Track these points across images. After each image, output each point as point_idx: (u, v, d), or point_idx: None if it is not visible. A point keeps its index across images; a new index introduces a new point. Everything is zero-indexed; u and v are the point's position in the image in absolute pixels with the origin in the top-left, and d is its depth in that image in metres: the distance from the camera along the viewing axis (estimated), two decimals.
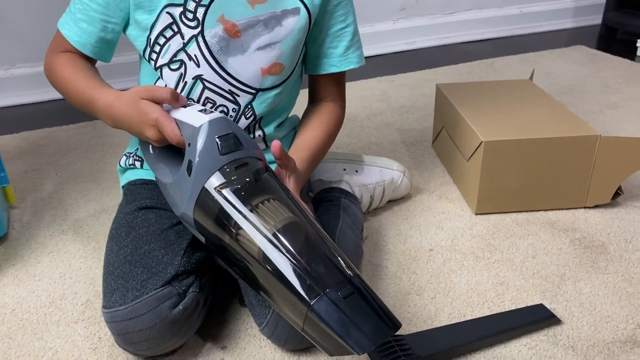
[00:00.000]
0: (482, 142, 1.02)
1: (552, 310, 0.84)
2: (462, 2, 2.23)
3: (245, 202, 0.65)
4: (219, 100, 0.82)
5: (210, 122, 0.69)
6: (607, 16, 2.27)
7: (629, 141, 1.04)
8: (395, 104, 1.62)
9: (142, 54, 0.83)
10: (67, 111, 1.54)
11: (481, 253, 0.98)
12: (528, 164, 1.04)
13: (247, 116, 0.84)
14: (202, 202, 0.67)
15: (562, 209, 1.09)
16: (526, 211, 1.09)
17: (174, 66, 0.81)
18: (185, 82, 0.81)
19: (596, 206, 1.10)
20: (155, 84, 0.84)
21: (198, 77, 0.81)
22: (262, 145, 0.89)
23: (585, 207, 1.10)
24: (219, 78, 0.81)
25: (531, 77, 1.35)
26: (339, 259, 0.63)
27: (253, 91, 0.83)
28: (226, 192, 0.66)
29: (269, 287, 0.64)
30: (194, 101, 0.82)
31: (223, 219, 0.66)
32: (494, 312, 0.84)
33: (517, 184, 1.06)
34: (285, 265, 0.61)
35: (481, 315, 0.84)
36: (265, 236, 0.63)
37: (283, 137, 0.91)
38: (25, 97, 1.70)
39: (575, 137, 1.03)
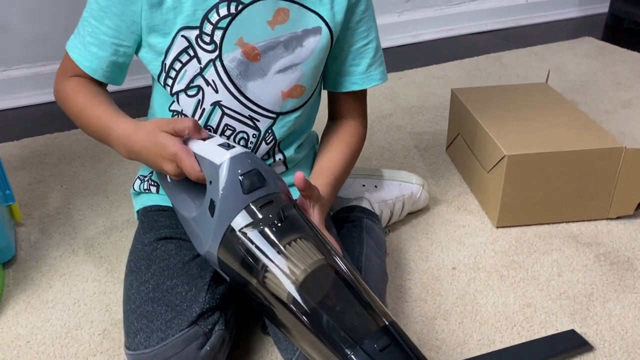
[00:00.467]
0: (505, 156, 0.99)
1: (583, 335, 0.82)
2: None
3: (272, 244, 0.62)
4: (239, 127, 0.79)
5: (232, 159, 0.65)
6: (613, 5, 2.23)
7: None
8: (405, 104, 1.59)
9: (156, 79, 0.79)
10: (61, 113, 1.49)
11: (505, 271, 0.96)
12: (551, 176, 1.02)
13: (268, 141, 0.81)
14: (226, 244, 0.65)
15: (584, 221, 1.07)
16: (548, 223, 1.07)
17: (191, 92, 0.77)
18: (204, 109, 0.78)
19: (619, 217, 1.08)
20: (170, 107, 0.81)
21: (217, 104, 0.77)
22: (282, 168, 0.86)
23: (607, 219, 1.08)
24: (239, 104, 0.77)
25: (547, 80, 1.32)
26: (373, 304, 0.61)
27: (274, 115, 0.80)
28: (251, 234, 0.63)
29: (299, 335, 0.61)
30: (213, 129, 0.79)
31: (249, 262, 0.63)
32: (524, 338, 0.82)
33: (539, 196, 1.04)
34: (317, 315, 0.59)
35: (511, 341, 0.82)
36: (295, 283, 0.60)
37: (303, 158, 0.88)
38: (23, 99, 1.65)
39: (601, 149, 1.00)
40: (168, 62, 0.76)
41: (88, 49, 0.76)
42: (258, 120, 0.79)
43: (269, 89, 0.78)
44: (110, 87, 0.83)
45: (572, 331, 0.82)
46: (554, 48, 1.98)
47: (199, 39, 0.74)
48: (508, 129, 1.07)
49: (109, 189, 1.21)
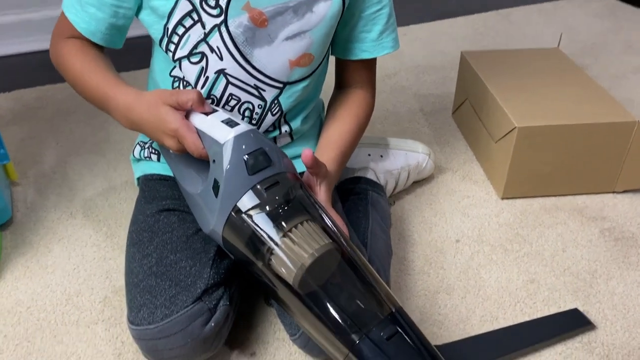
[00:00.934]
0: (515, 127, 0.96)
1: (585, 313, 0.82)
2: None
3: (278, 227, 0.61)
4: (244, 97, 0.75)
5: (237, 138, 0.63)
6: None
7: None
8: (410, 62, 1.54)
9: (157, 43, 0.75)
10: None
11: (510, 245, 0.95)
12: (560, 149, 1.00)
13: (274, 112, 0.78)
14: (231, 225, 0.63)
15: (590, 194, 1.06)
16: (553, 195, 1.06)
17: (194, 59, 0.73)
18: (207, 77, 0.74)
19: (625, 191, 1.07)
20: (171, 72, 0.77)
21: (221, 72, 0.73)
22: (287, 139, 0.83)
23: (614, 192, 1.06)
24: (244, 72, 0.74)
25: (559, 44, 1.28)
26: (379, 290, 0.60)
27: (280, 85, 0.76)
28: (257, 216, 0.61)
29: (304, 319, 0.61)
30: (217, 99, 0.75)
31: (254, 244, 0.61)
32: (527, 315, 0.82)
33: (547, 169, 1.02)
34: (323, 301, 0.58)
35: (514, 318, 0.82)
36: (302, 267, 0.59)
37: (309, 129, 0.85)
38: (13, 46, 1.59)
39: (613, 123, 0.98)
40: (170, 26, 0.72)
41: (86, 10, 0.72)
42: (264, 90, 0.76)
43: (276, 57, 0.74)
44: None
45: (576, 310, 0.82)
46: (564, 6, 1.92)
47: (203, 3, 0.70)
48: (519, 99, 1.04)
49: (105, 148, 1.18)
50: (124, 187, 1.07)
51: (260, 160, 0.62)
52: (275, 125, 0.80)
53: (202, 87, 0.74)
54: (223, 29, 0.71)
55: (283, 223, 0.61)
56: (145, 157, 0.85)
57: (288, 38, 0.73)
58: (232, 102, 0.76)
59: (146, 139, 0.85)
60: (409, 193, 1.06)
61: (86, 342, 0.78)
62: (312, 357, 0.75)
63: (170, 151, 0.74)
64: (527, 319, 0.82)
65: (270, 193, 0.62)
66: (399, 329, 0.57)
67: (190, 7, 0.70)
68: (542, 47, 1.32)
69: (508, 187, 1.03)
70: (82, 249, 0.93)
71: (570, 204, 1.04)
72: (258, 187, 0.62)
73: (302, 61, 0.76)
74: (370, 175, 0.95)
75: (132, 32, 0.79)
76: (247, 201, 0.62)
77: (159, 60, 0.79)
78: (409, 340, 0.57)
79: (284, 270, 0.60)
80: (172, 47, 0.73)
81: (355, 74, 0.85)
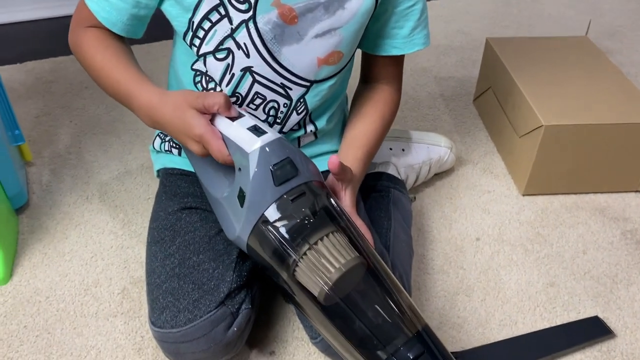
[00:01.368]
0: (542, 126, 0.94)
1: (605, 320, 0.82)
2: None
3: (304, 240, 0.59)
4: (270, 95, 0.73)
5: (263, 148, 0.61)
6: None
7: None
8: (431, 42, 1.49)
9: (181, 37, 0.72)
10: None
11: (530, 245, 0.94)
12: (586, 147, 0.98)
13: (299, 111, 0.76)
14: (256, 235, 0.62)
15: (612, 192, 1.04)
16: (575, 193, 1.04)
17: (220, 55, 0.71)
18: (233, 74, 0.71)
19: None
20: (193, 65, 0.74)
21: (247, 69, 0.71)
22: (311, 138, 0.81)
23: (636, 191, 1.05)
24: (271, 70, 0.71)
25: (587, 31, 1.24)
26: (406, 307, 0.59)
27: (307, 84, 0.74)
28: (283, 228, 0.60)
29: (328, 332, 0.60)
30: (242, 97, 0.73)
31: (280, 256, 0.60)
32: (546, 320, 0.82)
33: (570, 166, 1.00)
34: (349, 317, 0.58)
35: (533, 323, 0.82)
36: (328, 282, 0.58)
37: (334, 126, 0.83)
38: (23, 13, 1.54)
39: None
40: (196, 20, 0.69)
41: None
42: (290, 89, 0.73)
43: (304, 55, 0.71)
44: None
45: (596, 318, 0.82)
46: None
47: None
48: (546, 93, 1.01)
49: (120, 128, 1.16)
50: (140, 171, 1.06)
51: (287, 171, 0.61)
52: (300, 125, 0.78)
53: (227, 85, 0.72)
54: (251, 25, 0.68)
55: (310, 235, 0.59)
56: (166, 151, 0.83)
57: (317, 35, 0.70)
58: (258, 101, 0.73)
59: None
60: (429, 186, 1.05)
61: (105, 335, 0.78)
62: (331, 359, 0.75)
63: None
64: (546, 324, 0.82)
65: (296, 204, 0.60)
66: (426, 350, 0.57)
67: (217, 1, 0.67)
68: (570, 35, 1.28)
69: (530, 184, 1.01)
70: (99, 236, 0.93)
71: (592, 202, 1.03)
72: (285, 197, 0.61)
73: (331, 59, 0.73)
74: (391, 170, 0.94)
75: None
76: (273, 212, 0.60)
77: (181, 52, 0.76)
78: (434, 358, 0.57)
79: (309, 284, 0.59)
80: (197, 41, 0.70)
81: (383, 69, 0.82)
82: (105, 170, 1.06)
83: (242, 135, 0.63)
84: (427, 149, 0.99)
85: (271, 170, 0.60)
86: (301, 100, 0.75)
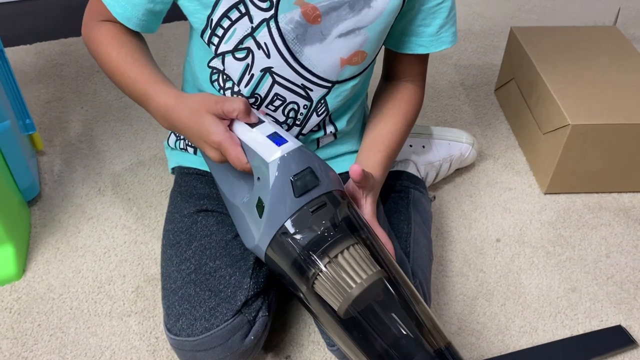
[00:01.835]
0: (569, 125, 0.90)
1: (628, 328, 0.80)
2: None
3: (324, 253, 0.57)
4: (290, 97, 0.70)
5: (283, 158, 0.59)
6: None
7: None
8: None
9: (198, 34, 0.69)
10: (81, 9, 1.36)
11: (552, 247, 0.92)
12: (612, 147, 0.94)
13: (319, 112, 0.73)
14: (275, 246, 0.60)
15: (636, 192, 1.01)
16: (598, 192, 1.01)
17: (239, 55, 0.67)
18: (252, 75, 0.68)
19: None
20: (210, 62, 0.71)
21: (267, 70, 0.68)
22: (331, 139, 0.78)
23: None
24: (292, 71, 0.68)
25: (615, 21, 1.19)
26: (429, 323, 0.57)
27: (329, 84, 0.70)
28: (302, 241, 0.58)
29: (347, 346, 0.59)
30: (261, 98, 0.70)
31: (299, 268, 0.59)
32: (567, 328, 0.80)
33: (595, 166, 0.97)
34: (369, 333, 0.56)
35: (554, 330, 0.80)
36: (349, 297, 0.56)
37: (354, 126, 0.80)
38: None
39: None
40: (215, 17, 0.66)
41: None
42: (311, 90, 0.70)
43: (327, 55, 0.68)
44: None
45: (619, 327, 0.80)
46: None
47: None
48: (572, 89, 0.97)
49: (132, 115, 1.13)
50: (153, 162, 1.03)
51: (308, 181, 0.59)
52: (320, 126, 0.75)
53: (246, 86, 0.69)
54: (272, 24, 0.65)
55: (330, 248, 0.57)
56: (181, 149, 0.80)
57: (341, 35, 0.67)
58: (277, 102, 0.70)
59: None
60: (448, 183, 1.02)
61: (120, 335, 0.78)
62: None
63: None
64: (567, 332, 0.80)
65: (317, 216, 0.58)
66: None
67: None
68: (596, 20, 1.23)
69: (553, 183, 0.99)
70: (112, 231, 0.91)
71: (616, 202, 1.00)
72: (305, 209, 0.59)
73: (355, 59, 0.70)
74: (411, 168, 0.91)
75: None
76: (293, 224, 0.59)
77: (197, 48, 0.73)
78: None
79: (329, 297, 0.57)
80: (215, 40, 0.67)
81: (408, 67, 0.79)
82: (117, 160, 1.04)
83: (262, 143, 0.60)
84: (448, 146, 0.96)
85: (291, 181, 0.58)
86: (322, 101, 0.72)
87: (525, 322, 0.81)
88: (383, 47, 0.79)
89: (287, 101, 0.70)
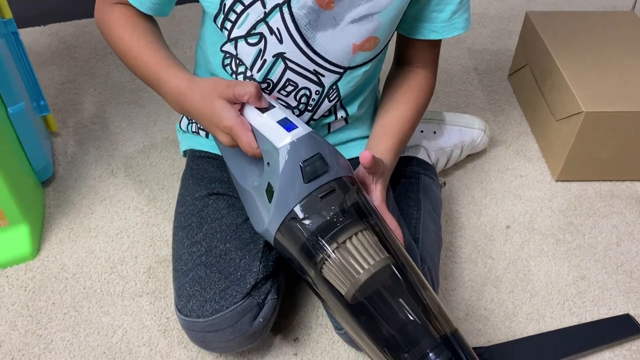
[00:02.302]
0: (583, 112, 0.90)
1: (637, 317, 0.80)
2: None
3: (332, 239, 0.58)
4: (302, 82, 0.70)
5: (293, 144, 0.59)
6: None
7: None
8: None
9: (211, 19, 0.69)
10: None
11: (562, 235, 0.91)
12: (626, 135, 0.93)
13: (331, 98, 0.73)
14: (284, 231, 0.61)
15: None
16: (610, 180, 1.00)
17: (252, 40, 0.67)
18: (265, 60, 0.68)
19: None
20: (222, 46, 0.71)
21: (280, 55, 0.68)
22: (342, 124, 0.78)
23: None
24: (304, 57, 0.68)
25: (634, 6, 1.17)
26: (436, 310, 0.58)
27: (341, 70, 0.70)
28: (311, 226, 0.59)
29: (354, 331, 0.60)
30: (273, 83, 0.70)
31: (307, 252, 0.59)
32: (575, 316, 0.80)
33: (608, 153, 0.96)
34: (375, 318, 0.57)
35: (561, 318, 0.80)
36: (356, 283, 0.56)
37: (365, 111, 0.80)
38: None
39: None
40: (228, 2, 0.65)
41: None
42: (323, 76, 0.70)
43: (339, 41, 0.68)
44: None
45: (627, 316, 0.80)
46: None
47: None
48: (587, 76, 0.96)
49: (144, 97, 1.14)
50: (165, 144, 1.04)
51: (317, 167, 0.59)
52: (331, 111, 0.75)
53: (258, 71, 0.69)
54: (285, 9, 0.65)
55: (339, 234, 0.58)
56: (193, 132, 0.81)
57: (354, 21, 0.67)
58: (289, 88, 0.70)
59: None
60: (459, 168, 1.02)
61: (132, 315, 0.79)
62: (356, 349, 0.75)
63: None
64: (575, 319, 0.80)
65: (326, 202, 0.59)
66: (454, 356, 0.55)
67: None
68: (613, 5, 1.21)
69: (565, 170, 0.98)
70: (124, 212, 0.92)
71: (628, 190, 0.99)
72: (314, 195, 0.59)
73: (367, 45, 0.69)
74: (422, 154, 0.91)
75: None
76: (302, 210, 0.59)
77: (210, 32, 0.73)
78: None
79: (337, 282, 0.58)
80: (228, 25, 0.67)
81: (420, 53, 0.78)
82: (130, 142, 1.05)
83: (272, 128, 0.61)
84: (460, 132, 0.96)
85: (301, 167, 0.59)
86: (334, 87, 0.72)
87: (533, 309, 0.82)
88: (395, 32, 0.78)
89: (299, 87, 0.70)
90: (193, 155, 0.81)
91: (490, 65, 1.26)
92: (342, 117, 0.76)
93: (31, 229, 0.85)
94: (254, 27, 0.66)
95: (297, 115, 0.73)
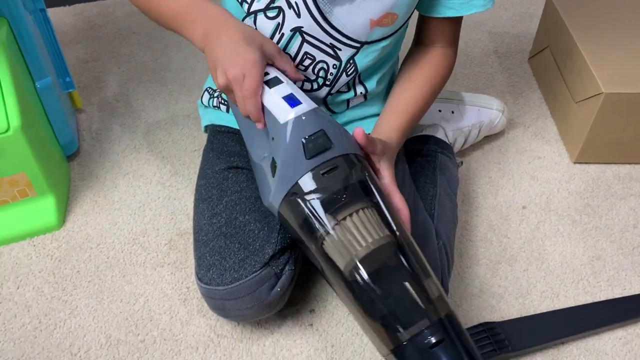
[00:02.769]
0: (602, 93, 0.89)
1: None
2: None
3: (332, 215, 0.59)
4: (319, 56, 0.71)
5: (297, 120, 0.60)
6: None
7: None
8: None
9: None
10: None
11: (578, 216, 0.92)
12: None
13: (349, 72, 0.74)
14: (286, 205, 0.62)
15: None
16: (629, 163, 1.00)
17: (270, 14, 0.69)
18: (283, 34, 0.69)
19: None
20: (242, 20, 0.72)
21: (297, 29, 0.69)
22: (361, 100, 0.79)
23: None
24: (321, 31, 0.69)
25: None
26: (433, 292, 0.58)
27: (357, 45, 0.71)
28: (313, 202, 0.59)
29: (351, 306, 0.60)
30: (291, 57, 0.71)
31: (309, 227, 0.60)
32: (589, 295, 0.81)
33: (627, 136, 0.95)
34: (372, 295, 0.57)
35: (575, 297, 0.81)
36: (353, 259, 0.57)
37: (383, 88, 0.81)
38: None
39: None
40: None
41: None
42: (340, 50, 0.71)
43: (356, 15, 0.69)
44: None
45: None
46: None
47: None
48: (608, 58, 0.95)
49: (166, 76, 1.16)
50: (186, 122, 1.06)
51: (320, 144, 0.60)
52: (350, 86, 0.76)
53: (277, 44, 0.70)
54: None
55: (338, 211, 0.58)
56: (214, 106, 0.83)
57: None
58: (307, 62, 0.72)
59: (214, 86, 0.82)
60: (477, 149, 1.02)
61: (153, 284, 0.81)
62: None
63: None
64: (589, 298, 0.81)
65: (327, 178, 0.60)
66: (447, 337, 0.55)
67: None
68: None
69: (583, 152, 0.98)
70: (147, 187, 0.95)
71: None
72: (315, 171, 0.60)
73: (385, 21, 0.70)
74: (439, 134, 0.91)
75: None
76: (303, 185, 0.60)
77: (230, 6, 0.73)
78: (454, 350, 0.55)
79: (336, 258, 0.59)
80: None
81: (438, 32, 0.78)
82: (152, 119, 1.07)
83: (277, 103, 0.62)
84: (478, 112, 0.96)
85: (303, 143, 0.59)
86: (350, 61, 0.73)
87: (547, 287, 0.82)
88: (416, 11, 0.79)
89: (317, 60, 0.72)
90: (214, 130, 0.83)
91: (511, 48, 1.26)
92: (361, 93, 0.77)
93: (57, 200, 0.88)
94: (272, 0, 0.68)
95: (315, 90, 0.74)
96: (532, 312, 0.79)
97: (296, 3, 0.67)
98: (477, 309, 0.79)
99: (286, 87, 0.63)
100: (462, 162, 0.97)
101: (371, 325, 0.59)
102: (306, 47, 0.71)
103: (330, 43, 0.71)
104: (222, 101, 0.81)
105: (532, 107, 1.11)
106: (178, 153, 1.01)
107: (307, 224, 0.60)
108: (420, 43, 0.81)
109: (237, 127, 0.81)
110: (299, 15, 0.68)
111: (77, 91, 1.04)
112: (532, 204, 0.93)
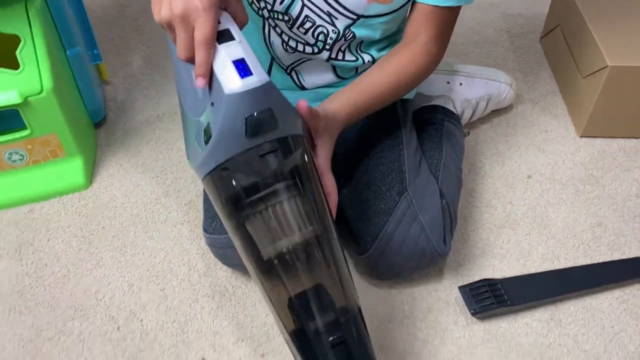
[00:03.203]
0: (607, 66, 0.92)
1: None
2: None
3: (261, 200, 0.56)
4: (318, 21, 0.75)
5: (244, 94, 0.52)
6: None
7: None
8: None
9: None
10: None
11: (582, 186, 0.95)
12: None
13: (347, 38, 0.77)
14: (213, 178, 0.58)
15: None
16: (635, 137, 1.02)
17: None
18: None
19: None
20: None
21: None
22: (368, 67, 0.82)
23: None
24: None
25: None
26: (345, 291, 0.59)
27: (354, 17, 0.74)
28: (242, 182, 0.56)
29: (259, 286, 0.60)
30: (293, 19, 0.73)
31: (232, 206, 0.58)
32: (589, 258, 0.84)
33: (632, 109, 0.98)
34: (279, 291, 0.58)
35: (575, 259, 0.84)
36: (272, 250, 0.57)
37: None
38: None
39: None
40: None
41: None
42: (336, 18, 0.74)
43: None
44: None
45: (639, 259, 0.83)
46: None
47: None
48: (615, 33, 0.98)
49: None
50: None
51: (264, 123, 0.54)
52: (356, 55, 0.79)
53: (280, 4, 0.74)
54: None
55: (269, 197, 0.56)
56: None
57: None
58: (307, 25, 0.75)
59: None
60: (485, 122, 1.05)
61: (173, 240, 0.87)
62: (376, 277, 0.81)
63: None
64: (588, 261, 0.84)
65: (264, 160, 0.55)
66: (348, 338, 0.57)
67: None
68: None
69: (589, 125, 1.01)
70: (168, 152, 1.00)
71: None
72: (254, 151, 0.55)
73: None
74: (447, 104, 0.95)
75: None
76: (237, 164, 0.55)
77: None
78: (351, 351, 0.57)
79: (255, 239, 0.58)
80: None
81: (423, 22, 0.74)
82: (174, 92, 1.12)
83: (226, 66, 0.53)
84: (486, 84, 1.00)
85: (246, 120, 0.53)
86: (347, 29, 0.76)
87: (548, 250, 0.85)
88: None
89: (317, 24, 0.75)
90: None
91: (523, 28, 1.28)
92: (369, 61, 0.81)
93: (85, 162, 0.93)
94: None
95: (316, 53, 0.77)
96: (532, 272, 0.82)
97: None
98: (479, 268, 0.83)
99: (238, 48, 0.55)
100: (468, 132, 1.00)
101: (280, 306, 0.59)
102: (306, 11, 0.74)
103: (327, 11, 0.74)
104: None
105: (542, 84, 1.14)
106: None
107: (232, 201, 0.57)
108: (405, 35, 0.78)
109: None
110: None
111: (103, 64, 1.10)
112: (537, 174, 0.96)
